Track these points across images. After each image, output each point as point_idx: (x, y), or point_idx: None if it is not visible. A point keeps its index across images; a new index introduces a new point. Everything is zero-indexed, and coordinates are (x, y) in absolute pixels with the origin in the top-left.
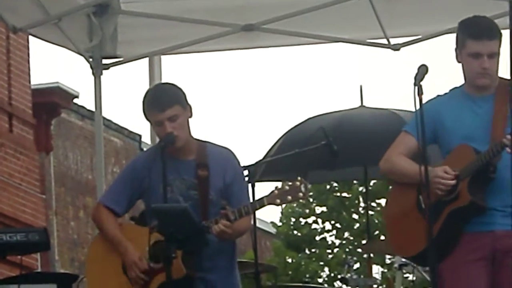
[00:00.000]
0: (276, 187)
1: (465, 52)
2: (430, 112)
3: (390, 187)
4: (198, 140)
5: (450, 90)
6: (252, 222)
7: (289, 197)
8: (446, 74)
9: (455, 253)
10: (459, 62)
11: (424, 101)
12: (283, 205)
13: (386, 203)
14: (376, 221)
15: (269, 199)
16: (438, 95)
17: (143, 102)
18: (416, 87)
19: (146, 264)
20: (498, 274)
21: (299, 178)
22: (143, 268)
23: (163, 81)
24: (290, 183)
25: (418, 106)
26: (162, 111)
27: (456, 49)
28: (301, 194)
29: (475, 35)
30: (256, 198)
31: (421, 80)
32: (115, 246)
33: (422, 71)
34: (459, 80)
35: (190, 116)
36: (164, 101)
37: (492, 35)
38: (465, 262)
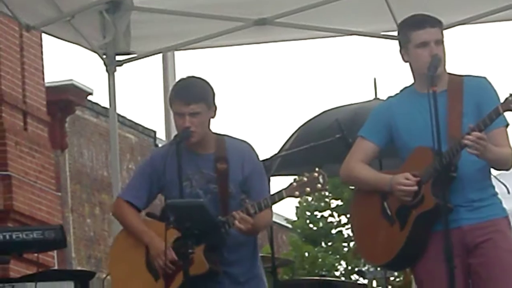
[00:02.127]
0: (295, 179)
1: (411, 46)
2: (383, 114)
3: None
4: (216, 134)
5: (401, 90)
6: (272, 216)
7: (308, 189)
8: (460, 64)
9: (427, 254)
10: (406, 61)
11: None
12: (301, 198)
13: (351, 211)
14: None
15: (288, 192)
16: (389, 96)
17: (172, 90)
18: (430, 77)
19: (173, 253)
20: (473, 266)
21: (317, 169)
22: (171, 257)
23: (177, 77)
24: (308, 175)
25: (431, 97)
26: (187, 104)
27: (400, 50)
28: (319, 186)
29: (418, 25)
30: (275, 191)
31: (435, 71)
32: (139, 237)
33: (435, 61)
34: (475, 70)
35: (213, 117)
36: (191, 95)
37: (434, 23)
38: (438, 262)
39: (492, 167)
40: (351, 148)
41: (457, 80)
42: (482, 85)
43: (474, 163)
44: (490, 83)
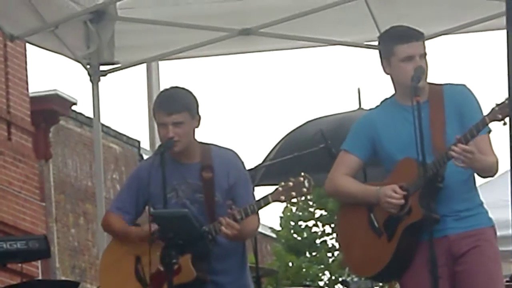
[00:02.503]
0: (280, 184)
1: (395, 59)
2: (365, 128)
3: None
4: (201, 143)
5: (381, 102)
6: (259, 222)
7: (294, 193)
8: (443, 75)
9: (414, 264)
10: (387, 73)
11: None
12: (287, 203)
13: (338, 224)
14: None
15: (274, 196)
16: (370, 109)
17: (155, 101)
18: (413, 88)
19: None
20: (458, 274)
21: (302, 174)
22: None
23: (161, 87)
24: (293, 179)
25: (415, 108)
26: (169, 114)
27: (382, 62)
28: (305, 190)
29: (402, 39)
30: (260, 196)
31: (418, 81)
32: (128, 237)
33: (419, 72)
34: (459, 80)
35: (197, 126)
36: (173, 105)
37: (418, 37)
38: (425, 271)
39: (478, 175)
40: (335, 161)
41: (437, 90)
42: (462, 92)
43: (460, 173)
44: (469, 90)
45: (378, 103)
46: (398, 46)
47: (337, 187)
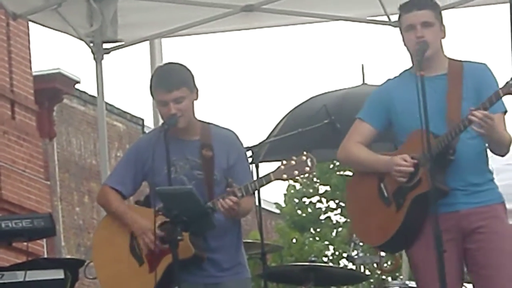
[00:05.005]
0: (282, 162)
1: (403, 29)
2: (382, 98)
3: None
4: (201, 121)
5: (400, 73)
6: (256, 201)
7: (296, 172)
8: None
9: (423, 237)
10: (405, 45)
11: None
12: (289, 181)
13: (347, 192)
14: None
15: (276, 175)
16: (388, 79)
17: (151, 80)
18: (417, 62)
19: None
20: (470, 251)
21: (305, 152)
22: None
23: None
24: (296, 158)
25: (419, 83)
26: (169, 91)
27: (401, 34)
28: (307, 168)
29: (406, 9)
30: (262, 174)
31: (422, 56)
32: (123, 219)
33: (423, 47)
34: (461, 53)
35: (196, 99)
36: (171, 82)
37: (422, 6)
38: (432, 244)
39: (491, 149)
40: (350, 129)
41: (457, 65)
42: (481, 71)
43: (473, 146)
44: (489, 70)
45: (397, 74)
46: (402, 16)
47: (349, 154)
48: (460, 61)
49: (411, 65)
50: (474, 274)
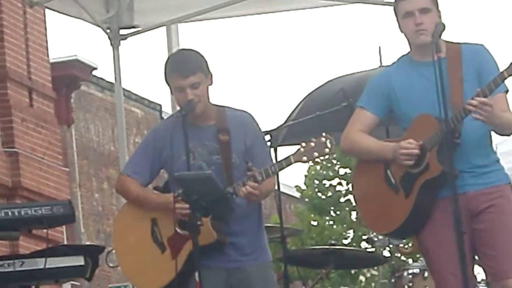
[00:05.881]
0: (302, 145)
1: (400, 16)
2: (381, 84)
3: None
4: (216, 105)
5: (398, 59)
6: (276, 184)
7: (316, 153)
8: (464, 30)
9: (433, 220)
10: (402, 32)
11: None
12: (310, 163)
13: (354, 180)
14: None
15: (296, 157)
16: (387, 66)
17: (165, 66)
18: (434, 45)
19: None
20: (477, 232)
21: (324, 134)
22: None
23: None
24: (315, 140)
25: (436, 64)
26: (185, 77)
27: (397, 21)
28: (327, 150)
29: None
30: (282, 157)
31: (439, 37)
32: (145, 203)
33: (439, 28)
34: (480, 36)
35: (211, 84)
36: (187, 68)
37: None
38: (444, 227)
39: (496, 132)
40: (351, 118)
41: (455, 48)
42: (480, 52)
43: (478, 128)
44: (487, 50)
45: (395, 60)
46: (399, 3)
47: (353, 143)
48: (458, 43)
49: (408, 50)
50: (482, 255)
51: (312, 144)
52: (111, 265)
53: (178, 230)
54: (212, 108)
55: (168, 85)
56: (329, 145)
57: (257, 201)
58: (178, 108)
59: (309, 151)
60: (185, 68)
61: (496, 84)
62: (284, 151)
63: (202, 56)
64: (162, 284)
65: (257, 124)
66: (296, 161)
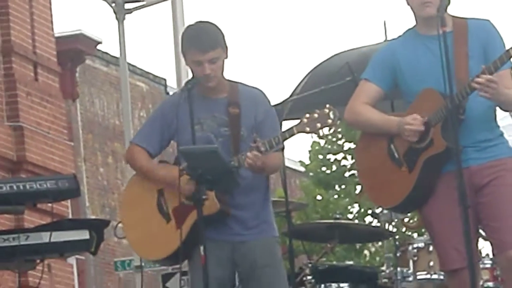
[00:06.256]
0: (305, 116)
1: None
2: (386, 57)
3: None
4: (229, 80)
5: (404, 33)
6: (283, 159)
7: (318, 124)
8: (471, 4)
9: (436, 194)
10: (408, 4)
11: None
12: (313, 134)
13: (357, 154)
14: None
15: (299, 128)
16: (392, 39)
17: (183, 39)
18: (439, 18)
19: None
20: (481, 205)
21: (327, 105)
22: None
23: (186, 23)
24: (318, 111)
25: (441, 38)
26: (205, 52)
27: None
28: (330, 121)
29: None
30: (285, 128)
31: (444, 11)
32: (149, 175)
33: (444, 2)
34: (484, 10)
35: (226, 58)
36: (207, 43)
37: None
38: (448, 202)
39: (501, 108)
40: (355, 90)
41: (461, 23)
42: (486, 27)
43: (482, 104)
44: (494, 26)
45: (401, 33)
46: None
47: (357, 116)
48: (464, 18)
49: (413, 24)
50: (486, 227)
51: (316, 115)
52: (119, 236)
53: (184, 201)
54: (225, 82)
55: (184, 56)
56: (332, 116)
57: (262, 173)
58: (184, 82)
59: (312, 122)
60: (205, 43)
61: (502, 62)
62: (288, 126)
63: (220, 30)
64: (167, 253)
65: (269, 102)
66: (298, 132)
